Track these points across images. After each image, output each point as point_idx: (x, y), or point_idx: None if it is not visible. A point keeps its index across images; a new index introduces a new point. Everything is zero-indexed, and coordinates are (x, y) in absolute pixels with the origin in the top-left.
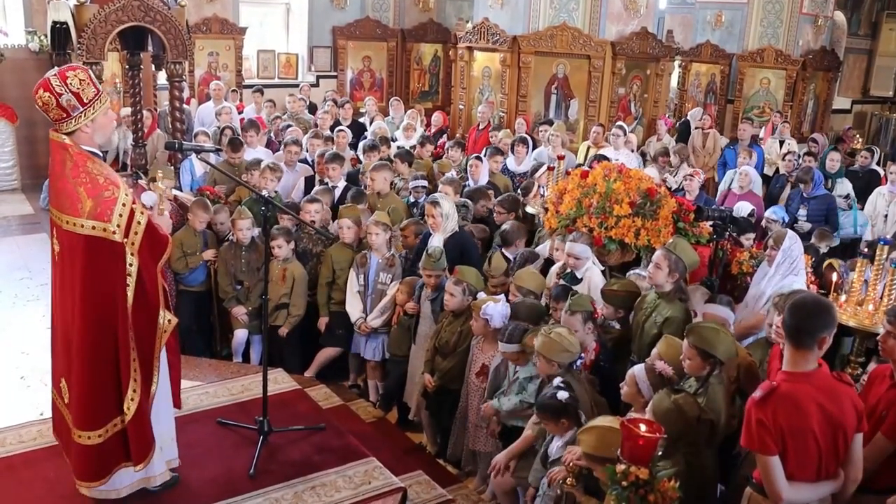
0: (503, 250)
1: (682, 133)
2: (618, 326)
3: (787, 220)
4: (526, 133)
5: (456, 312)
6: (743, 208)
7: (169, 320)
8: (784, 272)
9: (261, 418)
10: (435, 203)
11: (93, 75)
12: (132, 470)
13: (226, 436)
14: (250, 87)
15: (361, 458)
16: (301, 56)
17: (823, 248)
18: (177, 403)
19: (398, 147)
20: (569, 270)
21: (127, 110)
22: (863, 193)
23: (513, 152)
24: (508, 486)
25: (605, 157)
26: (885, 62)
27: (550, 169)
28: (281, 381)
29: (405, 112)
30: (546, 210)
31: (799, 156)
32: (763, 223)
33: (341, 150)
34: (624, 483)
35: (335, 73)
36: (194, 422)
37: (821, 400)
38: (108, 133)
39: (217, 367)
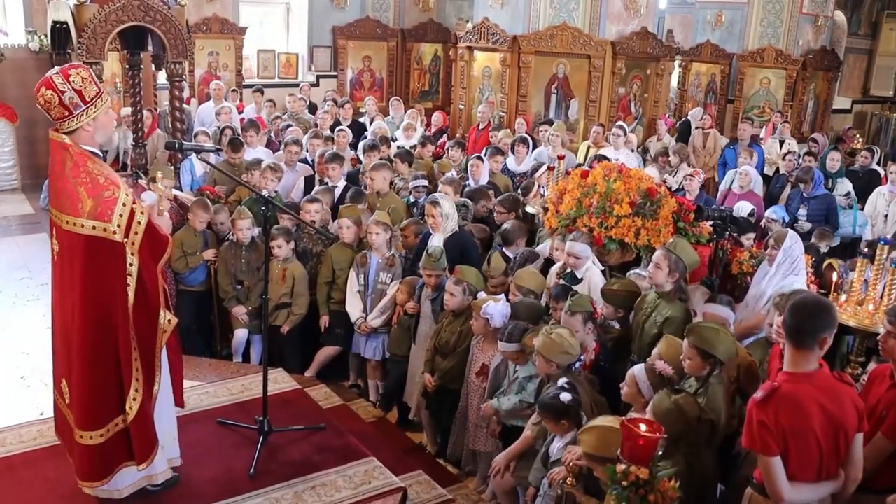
0: (504, 249)
1: (683, 133)
2: (618, 326)
3: (787, 219)
4: (526, 133)
5: (456, 312)
6: (743, 208)
7: (169, 320)
8: (785, 272)
9: (261, 418)
10: (435, 203)
11: (94, 74)
12: (135, 469)
13: (226, 436)
14: (250, 86)
15: (361, 457)
16: (301, 56)
17: (823, 248)
18: (180, 403)
19: (398, 147)
20: (569, 270)
21: (127, 110)
22: (863, 193)
23: (513, 152)
24: (508, 485)
25: (605, 157)
26: (886, 62)
27: (550, 169)
28: (281, 380)
29: (405, 112)
30: (546, 210)
31: (799, 155)
32: (763, 223)
33: (341, 149)
34: (624, 483)
35: (335, 73)
36: (194, 421)
37: (822, 400)
38: (109, 132)
39: (217, 367)
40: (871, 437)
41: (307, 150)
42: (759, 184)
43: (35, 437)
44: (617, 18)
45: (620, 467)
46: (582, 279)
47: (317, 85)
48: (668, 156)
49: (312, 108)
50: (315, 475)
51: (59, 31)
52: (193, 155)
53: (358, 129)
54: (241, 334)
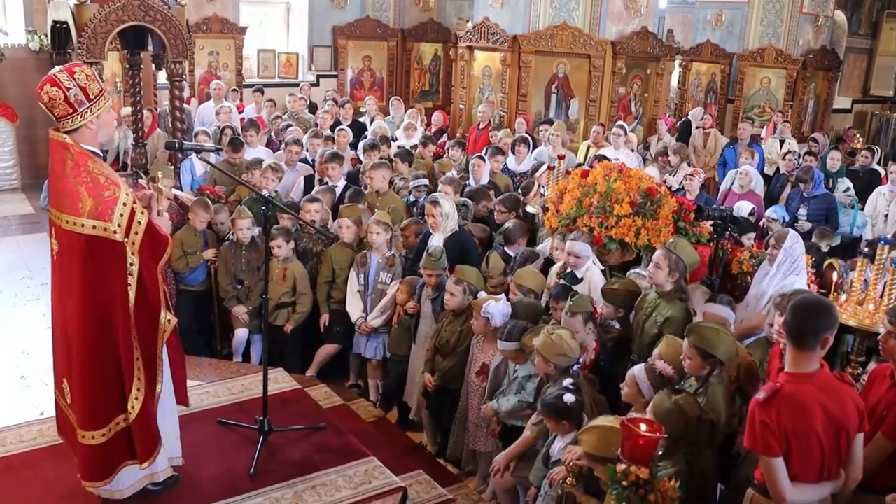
0: (505, 248)
1: (683, 132)
2: (618, 326)
3: (787, 219)
4: (526, 132)
5: (456, 312)
6: (743, 208)
7: (168, 320)
8: (785, 272)
9: (261, 418)
10: (435, 202)
11: (96, 73)
12: (136, 468)
13: (226, 435)
14: (250, 86)
15: (362, 457)
16: (301, 55)
17: (824, 248)
18: (184, 401)
19: (398, 146)
20: (569, 270)
21: (127, 110)
22: (863, 193)
23: (513, 152)
24: (509, 485)
25: (605, 157)
26: (886, 62)
27: (551, 168)
28: (281, 380)
29: (405, 111)
30: (546, 209)
31: (799, 155)
32: (763, 223)
33: (342, 149)
34: (624, 483)
35: (335, 73)
36: (194, 421)
37: (824, 401)
38: (110, 131)
39: (217, 367)
40: (872, 437)
41: (307, 150)
42: (760, 183)
43: (35, 437)
44: (617, 18)
45: (621, 467)
46: (582, 279)
47: (317, 85)
48: (667, 155)
49: (313, 108)
50: (315, 475)
51: (60, 30)
52: (193, 155)
53: (358, 129)
54: (241, 334)
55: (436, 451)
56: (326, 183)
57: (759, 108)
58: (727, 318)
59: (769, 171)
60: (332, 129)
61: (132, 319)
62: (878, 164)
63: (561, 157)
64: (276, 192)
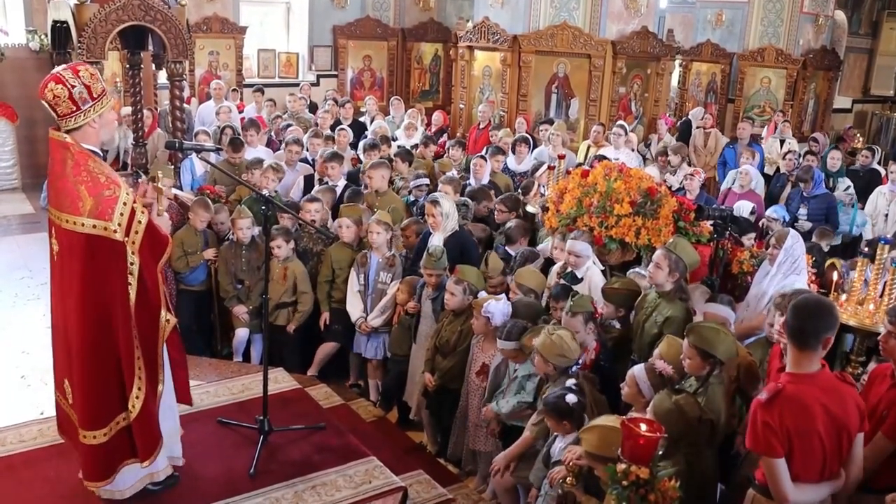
0: (506, 247)
1: (684, 132)
2: (618, 326)
3: (787, 219)
4: (526, 132)
5: (456, 311)
6: (744, 208)
7: (168, 320)
8: (786, 271)
9: (261, 417)
10: (435, 202)
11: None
12: (137, 467)
13: (226, 435)
14: (251, 86)
15: (362, 457)
16: (301, 55)
17: (824, 247)
18: (187, 400)
19: (398, 146)
20: (569, 270)
21: (127, 109)
22: (863, 193)
23: (514, 152)
24: (509, 484)
25: (605, 158)
26: (886, 61)
27: (551, 168)
28: (281, 380)
29: (405, 111)
30: (546, 209)
31: (799, 155)
32: (763, 222)
33: (342, 149)
34: (624, 482)
35: (336, 73)
36: (194, 421)
37: (825, 401)
38: (112, 130)
39: (217, 367)
40: (872, 437)
41: (307, 150)
42: (761, 183)
43: (35, 437)
44: (617, 18)
45: (621, 467)
46: (582, 279)
47: (317, 84)
48: (668, 155)
49: (313, 108)
50: (315, 475)
51: (60, 30)
52: (194, 154)
53: (358, 129)
54: (242, 333)
55: (436, 451)
56: (326, 183)
57: (759, 108)
58: (727, 318)
59: (769, 170)
60: (333, 128)
61: (133, 319)
62: (879, 163)
63: (561, 157)
64: (275, 191)
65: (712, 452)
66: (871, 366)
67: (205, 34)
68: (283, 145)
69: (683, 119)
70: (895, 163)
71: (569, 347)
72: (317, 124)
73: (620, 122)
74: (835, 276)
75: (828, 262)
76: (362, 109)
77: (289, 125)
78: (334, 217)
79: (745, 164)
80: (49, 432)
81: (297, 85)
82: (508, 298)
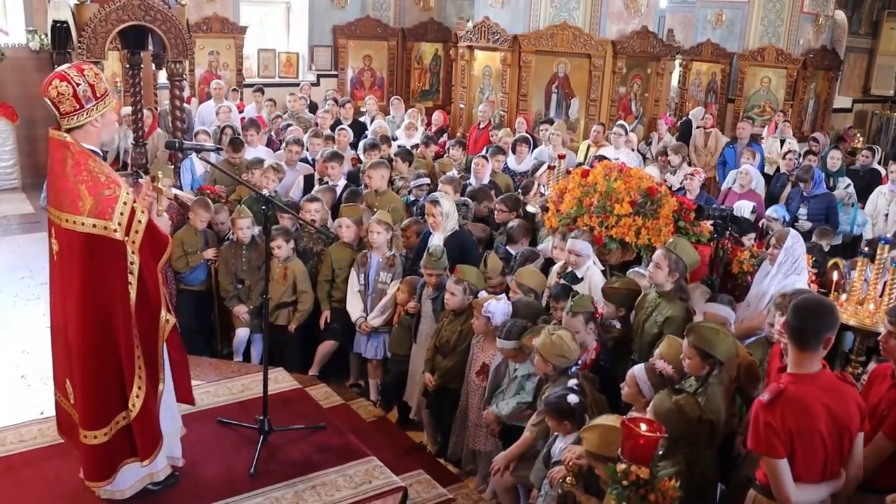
0: (507, 247)
1: (684, 132)
2: (619, 326)
3: (787, 218)
4: (526, 132)
5: (457, 311)
6: (744, 207)
7: (167, 320)
8: (786, 271)
9: (261, 417)
10: (435, 202)
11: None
12: (138, 466)
13: (226, 435)
14: (251, 86)
15: (362, 457)
16: (301, 55)
17: (825, 247)
18: (190, 400)
19: (398, 146)
20: (569, 270)
21: (127, 109)
22: (864, 192)
23: (514, 151)
24: (509, 484)
25: (605, 158)
26: (886, 61)
27: (551, 168)
28: (281, 380)
29: (405, 111)
30: (546, 209)
31: (799, 155)
32: (763, 222)
33: (342, 149)
34: (624, 482)
35: (336, 73)
36: (194, 421)
37: (827, 401)
38: (113, 131)
39: (217, 366)
40: (872, 437)
41: (307, 150)
42: (761, 183)
43: (35, 437)
44: (617, 17)
45: (621, 467)
46: (582, 278)
47: (317, 84)
48: (668, 155)
49: (313, 108)
50: (315, 474)
51: (60, 30)
52: (194, 154)
53: (359, 129)
54: (242, 333)
55: (436, 451)
56: (326, 183)
57: (759, 108)
58: (727, 318)
59: (769, 170)
60: (333, 128)
61: (133, 318)
62: (879, 163)
63: (561, 157)
64: (275, 191)
65: (712, 452)
66: (872, 366)
67: (205, 34)
68: (284, 145)
69: (683, 119)
70: (895, 162)
71: (569, 348)
72: (317, 124)
73: (621, 121)
74: (835, 275)
75: (830, 262)
76: (362, 109)
77: (289, 125)
78: (334, 217)
79: (746, 164)
80: (49, 432)
81: (298, 85)
82: (508, 298)
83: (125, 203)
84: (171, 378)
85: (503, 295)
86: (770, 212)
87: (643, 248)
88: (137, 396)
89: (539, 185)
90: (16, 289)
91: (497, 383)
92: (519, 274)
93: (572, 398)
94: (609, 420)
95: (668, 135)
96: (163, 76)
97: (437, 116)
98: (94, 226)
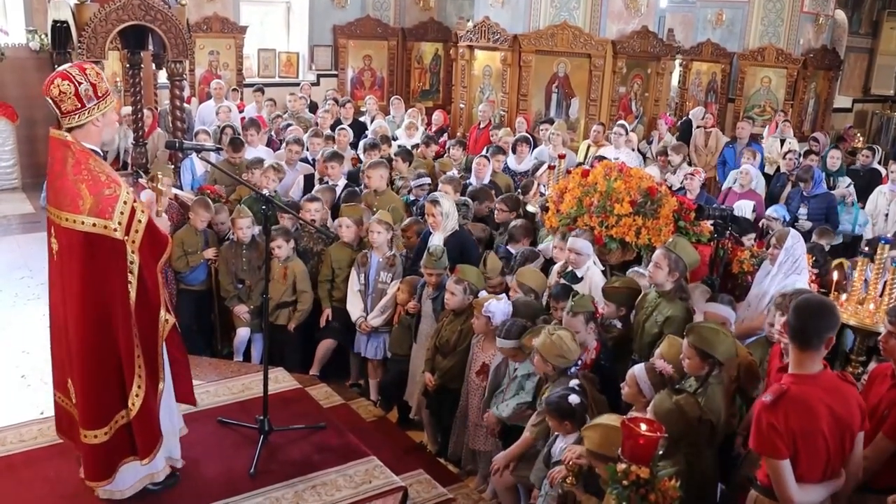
0: (508, 246)
1: (684, 132)
2: (620, 325)
3: (787, 218)
4: (526, 132)
5: (457, 311)
6: (745, 207)
7: (167, 319)
8: (787, 271)
9: (261, 417)
10: (435, 202)
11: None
12: (137, 465)
13: (226, 435)
14: (251, 85)
15: (362, 457)
16: (302, 55)
17: (825, 247)
18: (191, 400)
19: (399, 146)
20: (569, 269)
21: (127, 109)
22: (864, 192)
23: (514, 151)
24: (509, 484)
25: (605, 159)
26: (886, 61)
27: (551, 168)
28: (281, 379)
29: (406, 111)
30: (546, 209)
31: (800, 154)
32: (763, 222)
33: (342, 148)
34: (625, 482)
35: (336, 72)
36: (194, 421)
37: (829, 401)
38: (114, 130)
39: (217, 366)
40: (873, 437)
41: (307, 150)
42: (761, 183)
43: (35, 437)
44: (617, 17)
45: (621, 466)
46: (582, 278)
47: (317, 84)
48: (668, 155)
49: (313, 108)
50: (315, 474)
51: (60, 30)
52: (194, 154)
53: (359, 129)
54: (243, 333)
55: (436, 451)
56: (327, 182)
57: (759, 108)
58: (728, 318)
59: (770, 170)
60: (333, 128)
61: (133, 317)
62: (879, 163)
63: (561, 157)
64: (275, 191)
65: (712, 452)
66: (872, 365)
67: (205, 34)
68: (284, 145)
69: (684, 119)
70: (895, 162)
71: (568, 348)
72: (317, 124)
73: (621, 121)
74: (835, 275)
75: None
76: (362, 109)
77: (289, 125)
78: (334, 217)
79: (746, 164)
80: (49, 432)
81: (298, 84)
82: (509, 298)
83: (125, 202)
84: (170, 377)
85: (503, 295)
86: (770, 211)
87: (643, 247)
88: (137, 395)
89: (539, 184)
90: (16, 289)
91: (497, 383)
92: (520, 273)
93: (573, 399)
94: (611, 419)
95: (668, 134)
96: (163, 76)
97: (438, 116)
98: (94, 225)
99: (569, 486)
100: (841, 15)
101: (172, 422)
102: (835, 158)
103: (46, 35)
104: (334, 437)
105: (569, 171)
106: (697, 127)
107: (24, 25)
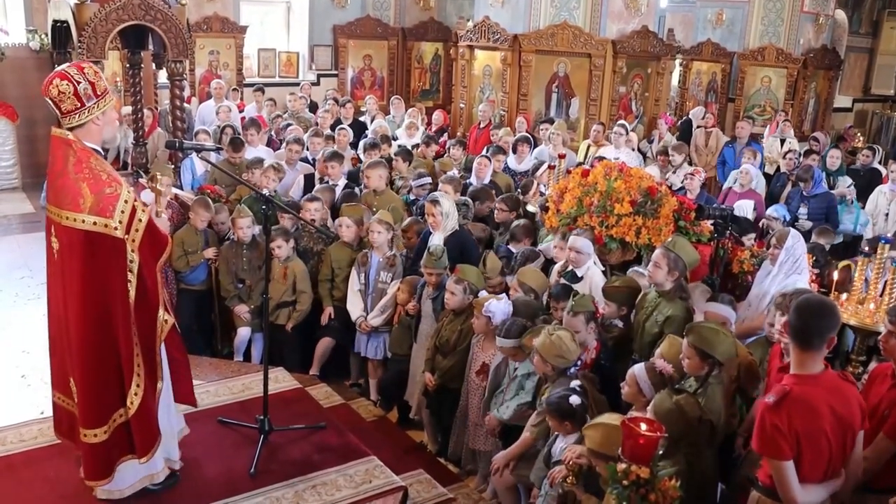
0: (509, 246)
1: (684, 132)
2: (621, 325)
3: (787, 218)
4: (526, 132)
5: (457, 311)
6: (745, 207)
7: (166, 320)
8: (787, 271)
9: (261, 417)
10: (435, 202)
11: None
12: (136, 464)
13: (226, 435)
14: (251, 85)
15: (362, 456)
16: (302, 55)
17: (826, 247)
18: (191, 401)
19: (399, 146)
20: (570, 269)
21: (128, 109)
22: (864, 192)
23: (514, 151)
24: (509, 483)
25: (605, 159)
26: (886, 60)
27: (551, 168)
28: (282, 379)
29: (406, 111)
30: (546, 209)
31: (800, 154)
32: (764, 222)
33: (342, 148)
34: (625, 482)
35: (336, 72)
36: (194, 421)
37: (831, 401)
38: (114, 128)
39: (217, 366)
40: (873, 437)
41: (308, 149)
42: (761, 183)
43: (35, 436)
44: (618, 17)
45: (621, 466)
46: (582, 278)
47: (317, 84)
48: (668, 155)
49: (313, 107)
50: (316, 474)
51: (60, 30)
52: (194, 154)
53: (359, 128)
54: (244, 333)
55: (436, 451)
56: (327, 182)
57: (759, 108)
58: (728, 318)
59: (770, 170)
60: (333, 128)
61: (132, 316)
62: (879, 163)
63: (561, 157)
64: (275, 191)
65: (712, 452)
66: (872, 365)
67: (205, 33)
68: (284, 145)
69: (684, 118)
70: (895, 162)
71: (568, 349)
72: (317, 124)
73: (621, 121)
74: (836, 276)
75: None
76: (363, 109)
77: (289, 125)
78: (333, 217)
79: (746, 164)
80: (49, 432)
81: (298, 84)
82: (509, 297)
83: (126, 201)
84: (169, 378)
85: (504, 294)
86: (770, 211)
87: (643, 247)
88: (136, 394)
89: (539, 184)
90: (16, 288)
91: (497, 383)
92: (521, 273)
93: (574, 399)
94: (612, 419)
95: (668, 134)
96: (163, 76)
97: (438, 116)
98: (95, 223)
99: (569, 486)
100: (841, 15)
101: (170, 422)
102: (835, 158)
103: (46, 35)
104: (334, 436)
105: (569, 171)
106: (698, 127)
107: (25, 25)
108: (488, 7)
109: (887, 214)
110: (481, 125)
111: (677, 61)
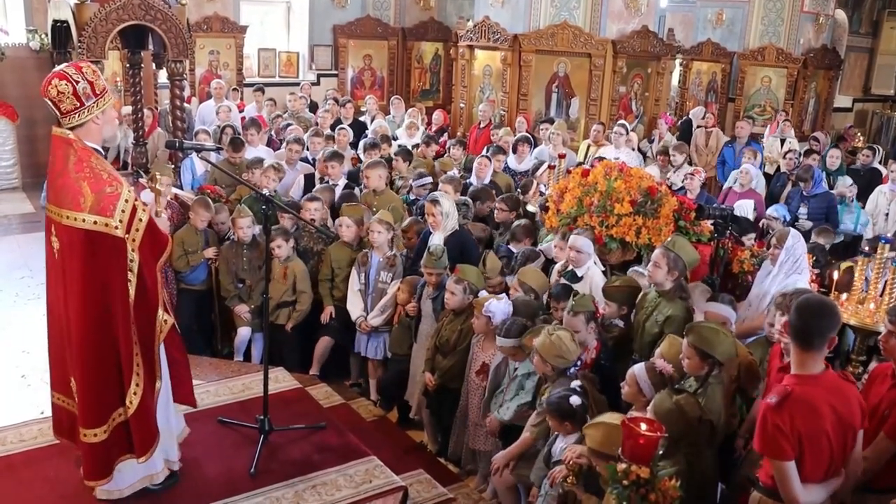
0: (509, 246)
1: (684, 132)
2: (621, 325)
3: (787, 218)
4: (527, 132)
5: (457, 311)
6: (745, 207)
7: (165, 320)
8: (787, 271)
9: (261, 417)
10: (435, 202)
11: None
12: (135, 463)
13: (226, 435)
14: (251, 85)
15: (362, 456)
16: (302, 55)
17: (825, 246)
18: (191, 401)
19: (399, 145)
20: (570, 269)
21: (128, 109)
22: (864, 192)
23: (514, 151)
24: (509, 483)
25: (605, 159)
26: (886, 60)
27: (551, 167)
28: (282, 379)
29: (406, 111)
30: (546, 209)
31: (800, 154)
32: (764, 222)
33: (342, 148)
34: (625, 482)
35: (336, 72)
36: (195, 420)
37: (832, 401)
38: (114, 127)
39: (217, 366)
40: (873, 437)
41: (308, 149)
42: (761, 182)
43: (35, 436)
44: (618, 17)
45: (621, 466)
46: (582, 277)
47: (317, 84)
48: (668, 154)
49: (313, 107)
50: (316, 474)
51: (60, 29)
52: (194, 154)
53: (359, 128)
54: (244, 332)
55: (436, 451)
56: (327, 182)
57: (759, 107)
58: (728, 318)
59: (770, 169)
60: (333, 128)
61: (132, 315)
62: (879, 163)
63: (561, 156)
64: (275, 191)
65: (712, 452)
66: (872, 365)
67: (205, 33)
68: (284, 144)
69: (684, 118)
70: (895, 162)
71: (567, 349)
72: (317, 123)
73: (621, 121)
74: (835, 275)
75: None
76: (363, 109)
77: (289, 125)
78: (333, 216)
79: (746, 164)
80: (49, 432)
81: (298, 84)
82: (509, 297)
83: (127, 201)
84: (168, 378)
85: (504, 294)
86: (770, 211)
87: (643, 247)
88: (135, 393)
89: (539, 184)
90: (16, 288)
91: (497, 383)
92: (522, 273)
93: (574, 400)
94: (613, 418)
95: (668, 134)
96: (163, 76)
97: (438, 116)
98: (95, 222)
99: (569, 486)
100: (841, 14)
101: (169, 423)
102: (835, 158)
103: (46, 35)
104: (334, 436)
105: (569, 171)
106: (698, 127)
107: (25, 25)
108: (488, 7)
109: (887, 214)
110: (481, 125)
111: (677, 61)
